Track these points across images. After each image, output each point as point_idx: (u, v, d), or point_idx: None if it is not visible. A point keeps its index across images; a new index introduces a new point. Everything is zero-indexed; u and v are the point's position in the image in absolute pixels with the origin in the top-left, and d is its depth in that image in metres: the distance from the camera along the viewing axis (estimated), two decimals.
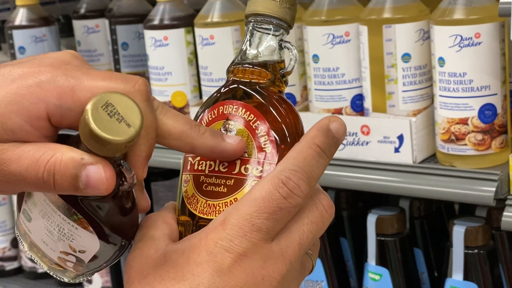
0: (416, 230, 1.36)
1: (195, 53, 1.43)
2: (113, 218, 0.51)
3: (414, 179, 1.18)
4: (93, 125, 0.46)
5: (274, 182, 0.50)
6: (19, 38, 1.60)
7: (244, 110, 0.54)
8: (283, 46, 0.56)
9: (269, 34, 0.56)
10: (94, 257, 0.52)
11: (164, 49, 1.42)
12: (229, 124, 0.54)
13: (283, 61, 0.56)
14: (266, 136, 0.53)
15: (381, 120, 1.20)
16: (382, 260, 1.28)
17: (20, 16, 1.61)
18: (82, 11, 1.69)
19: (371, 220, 1.28)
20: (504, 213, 1.08)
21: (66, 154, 0.48)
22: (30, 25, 1.61)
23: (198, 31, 1.38)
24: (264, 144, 0.53)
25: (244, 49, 0.56)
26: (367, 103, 1.23)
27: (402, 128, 1.18)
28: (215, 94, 0.57)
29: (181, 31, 1.42)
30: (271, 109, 0.54)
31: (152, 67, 1.45)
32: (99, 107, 0.47)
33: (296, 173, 0.50)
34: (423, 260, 1.34)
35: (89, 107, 0.47)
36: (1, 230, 1.90)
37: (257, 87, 0.55)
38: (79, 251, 0.52)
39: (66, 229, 0.51)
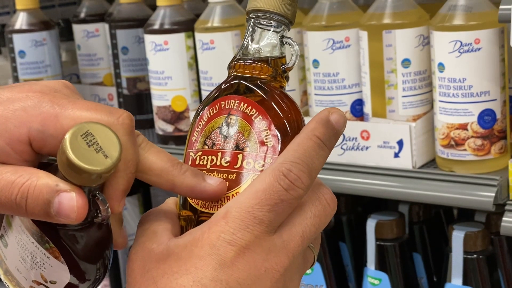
0: (415, 235, 1.36)
1: (195, 58, 1.43)
2: (84, 249, 0.50)
3: (414, 184, 1.18)
4: (70, 153, 0.46)
5: (275, 174, 0.50)
6: (19, 42, 1.61)
7: (246, 105, 0.54)
8: (284, 42, 0.56)
9: (270, 30, 0.56)
10: None
11: (164, 54, 1.43)
12: (231, 118, 0.54)
13: (284, 57, 0.57)
14: (268, 131, 0.54)
15: (381, 125, 1.20)
16: (381, 265, 1.28)
17: (20, 20, 1.61)
18: (82, 15, 1.69)
19: (371, 224, 1.28)
20: (504, 218, 1.09)
21: (41, 179, 0.48)
22: (30, 29, 1.61)
23: (198, 35, 1.38)
24: (266, 139, 0.54)
25: (245, 45, 0.56)
26: (367, 108, 1.23)
27: (402, 133, 1.18)
28: (216, 90, 0.57)
29: (181, 36, 1.42)
30: (273, 104, 0.54)
31: (152, 72, 1.45)
32: (79, 135, 0.47)
33: (297, 165, 0.51)
34: (422, 265, 1.35)
35: (68, 135, 0.47)
36: None
37: (259, 82, 0.56)
38: (50, 282, 0.51)
39: (39, 257, 0.51)
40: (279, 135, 0.54)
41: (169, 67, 1.43)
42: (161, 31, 1.42)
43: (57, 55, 1.65)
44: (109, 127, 0.48)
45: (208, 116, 0.56)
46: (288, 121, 0.54)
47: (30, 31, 1.61)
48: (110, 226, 0.52)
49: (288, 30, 0.56)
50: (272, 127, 0.54)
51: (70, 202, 0.48)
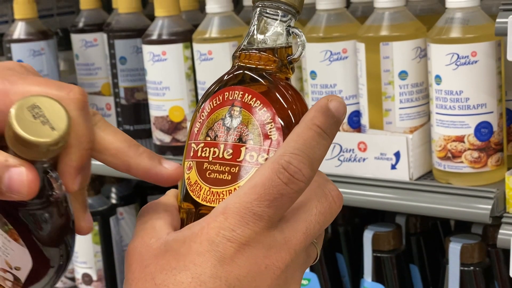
0: (412, 246, 1.36)
1: (193, 68, 1.43)
2: (43, 231, 0.49)
3: (411, 196, 1.18)
4: (15, 125, 0.45)
5: (274, 168, 0.48)
6: (17, 51, 1.61)
7: (250, 96, 0.53)
8: (290, 32, 0.55)
9: (277, 19, 0.54)
10: (31, 277, 0.50)
11: (162, 64, 1.43)
12: (234, 110, 0.53)
13: (290, 47, 0.55)
14: (272, 123, 0.52)
15: (378, 137, 1.20)
16: (378, 276, 1.28)
17: (19, 30, 1.61)
18: (81, 25, 1.70)
19: (368, 236, 1.28)
20: (500, 231, 1.09)
21: None
22: (28, 38, 1.61)
23: (196, 46, 1.39)
24: (270, 131, 0.52)
25: (250, 34, 0.55)
26: (364, 120, 1.23)
27: (399, 145, 1.18)
28: (219, 80, 0.55)
29: (179, 46, 1.42)
30: (278, 95, 0.53)
31: (150, 82, 1.46)
32: (25, 108, 0.46)
33: (297, 156, 0.49)
34: (419, 277, 1.35)
35: (14, 107, 0.46)
36: None
37: (264, 73, 0.54)
38: (15, 268, 0.50)
39: (1, 242, 0.50)
40: (283, 127, 0.52)
41: (167, 78, 1.43)
42: (159, 41, 1.42)
43: (55, 64, 1.65)
44: (59, 100, 0.47)
45: (211, 107, 0.54)
46: (293, 113, 0.53)
47: (28, 41, 1.61)
48: (70, 208, 0.50)
49: (295, 20, 0.55)
50: (277, 119, 0.52)
51: (20, 177, 0.46)
